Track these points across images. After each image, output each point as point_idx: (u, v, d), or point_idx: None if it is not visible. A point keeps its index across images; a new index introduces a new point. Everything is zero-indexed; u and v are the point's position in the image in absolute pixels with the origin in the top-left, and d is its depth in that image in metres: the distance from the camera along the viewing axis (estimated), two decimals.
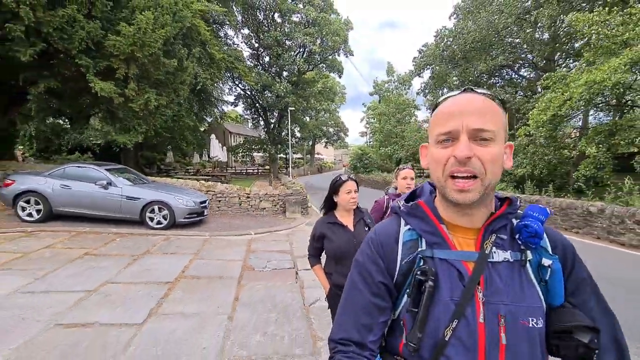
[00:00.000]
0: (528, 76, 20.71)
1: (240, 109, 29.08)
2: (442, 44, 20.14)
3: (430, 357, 0.69)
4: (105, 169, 7.36)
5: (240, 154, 29.30)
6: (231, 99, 28.57)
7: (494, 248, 0.71)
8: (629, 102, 11.05)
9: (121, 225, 7.03)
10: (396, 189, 2.68)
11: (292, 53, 25.24)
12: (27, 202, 6.80)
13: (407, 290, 0.74)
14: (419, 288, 0.71)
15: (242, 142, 29.79)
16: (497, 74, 21.08)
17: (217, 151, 20.64)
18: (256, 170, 30.96)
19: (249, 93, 26.08)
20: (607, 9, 8.93)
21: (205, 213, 8.03)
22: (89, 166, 7.46)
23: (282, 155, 28.82)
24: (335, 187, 2.08)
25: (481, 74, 19.40)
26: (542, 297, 0.70)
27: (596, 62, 9.60)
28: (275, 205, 9.92)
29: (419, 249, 0.75)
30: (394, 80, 29.64)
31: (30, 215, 6.80)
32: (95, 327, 3.07)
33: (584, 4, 15.21)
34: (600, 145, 9.80)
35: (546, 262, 0.70)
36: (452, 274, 0.71)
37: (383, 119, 26.93)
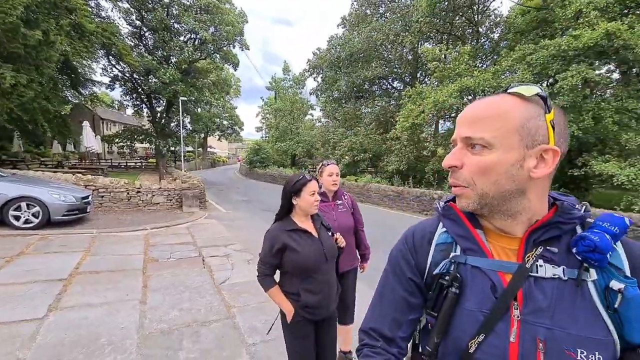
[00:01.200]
0: (398, 88, 24.85)
1: (117, 93, 25.44)
2: (333, 49, 22.24)
3: None
4: None
5: (118, 144, 25.72)
6: (106, 80, 24.69)
7: (540, 261, 0.62)
8: None
9: None
10: (321, 187, 2.37)
11: (182, 38, 23.56)
12: None
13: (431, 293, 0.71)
14: (440, 292, 0.69)
15: (120, 131, 26.19)
16: (376, 83, 24.55)
17: (92, 141, 17.85)
18: (139, 164, 27.71)
19: (128, 76, 23.12)
20: (445, 46, 11.87)
21: (89, 209, 7.29)
22: None
23: (171, 148, 26.58)
24: (296, 187, 1.75)
25: (364, 82, 22.35)
26: (611, 328, 0.58)
27: (441, 85, 12.65)
28: (170, 200, 9.59)
29: (452, 254, 0.70)
30: (290, 78, 30.91)
31: None
32: None
33: (437, 36, 19.30)
34: (445, 147, 12.99)
35: (616, 285, 0.57)
36: (485, 284, 0.65)
37: (279, 115, 27.85)
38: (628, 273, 0.59)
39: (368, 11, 22.77)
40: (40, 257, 4.77)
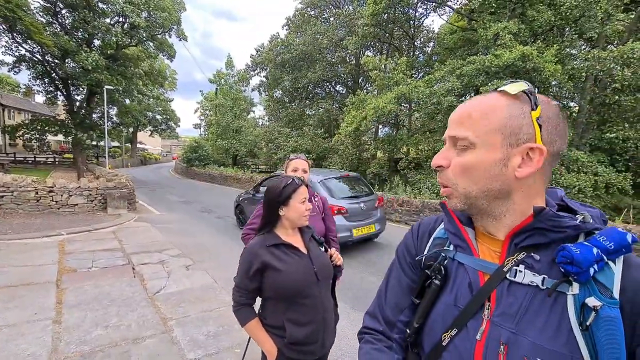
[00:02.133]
0: (341, 91, 25.53)
1: (25, 77, 21.77)
2: (276, 49, 21.96)
3: (428, 354, 0.69)
4: None
5: (24, 136, 22.02)
6: (8, 60, 20.88)
7: (521, 267, 0.61)
8: (400, 122, 15.92)
9: None
10: None
11: (108, 20, 21.10)
12: None
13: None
14: (424, 281, 0.72)
15: (26, 120, 22.45)
16: (320, 85, 24.88)
17: None
18: (51, 159, 24.08)
19: (39, 58, 19.96)
20: (385, 55, 12.52)
21: None
22: None
23: (93, 142, 23.60)
24: (285, 194, 1.42)
25: (308, 83, 22.48)
26: (582, 348, 0.54)
27: (381, 92, 13.30)
28: (92, 201, 8.45)
29: (445, 248, 0.73)
30: (234, 74, 29.72)
31: None
32: None
33: (378, 44, 20.28)
34: (384, 151, 13.68)
35: (592, 302, 0.53)
36: (465, 280, 0.67)
37: (220, 112, 26.58)
38: (616, 294, 0.54)
39: (312, 12, 22.99)
40: None
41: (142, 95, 25.16)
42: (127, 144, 38.48)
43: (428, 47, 19.87)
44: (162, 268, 4.70)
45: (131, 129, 36.69)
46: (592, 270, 0.54)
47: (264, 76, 24.06)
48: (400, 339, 0.77)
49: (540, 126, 0.59)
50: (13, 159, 21.36)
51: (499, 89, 0.62)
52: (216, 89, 29.69)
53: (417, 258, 0.78)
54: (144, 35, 22.14)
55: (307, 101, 24.22)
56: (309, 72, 21.01)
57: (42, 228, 6.36)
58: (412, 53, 19.02)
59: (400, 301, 0.78)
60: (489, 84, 9.79)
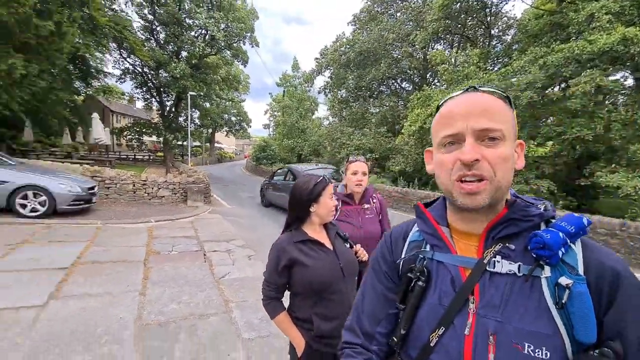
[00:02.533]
0: (407, 88, 24.65)
1: (128, 86, 25.73)
2: (341, 49, 22.14)
3: (415, 358, 0.69)
4: None
5: (127, 137, 26.00)
6: (117, 73, 24.90)
7: (497, 257, 0.64)
8: None
9: None
10: (345, 186, 2.14)
11: (193, 33, 23.69)
12: None
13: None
14: (407, 285, 0.72)
15: (129, 124, 26.46)
16: (385, 83, 24.38)
17: (101, 133, 18.08)
18: (147, 157, 27.96)
19: (139, 70, 23.35)
20: (457, 48, 11.71)
21: (94, 200, 7.36)
22: None
23: (179, 142, 26.78)
24: (316, 192, 1.48)
25: (371, 81, 22.20)
26: (559, 325, 0.58)
27: (450, 87, 12.50)
28: (175, 194, 9.64)
29: (422, 249, 0.74)
30: (299, 76, 30.87)
31: None
32: None
33: (448, 37, 19.09)
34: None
35: (564, 281, 0.58)
36: (447, 278, 0.68)
37: (287, 112, 27.87)
38: (581, 272, 0.60)
39: (378, 9, 22.61)
40: (43, 246, 4.82)
41: (219, 99, 27.61)
42: (206, 144, 42.73)
43: (508, 35, 18.01)
44: (228, 256, 5.19)
45: (210, 130, 40.60)
46: (560, 253, 0.60)
47: (328, 76, 24.46)
48: (379, 350, 0.77)
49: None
50: (118, 156, 25.35)
51: (487, 90, 0.67)
52: (283, 91, 31.15)
53: (396, 262, 0.79)
54: (222, 44, 24.32)
55: (371, 99, 23.93)
56: (373, 70, 20.74)
57: (137, 215, 7.49)
58: (487, 43, 17.46)
59: (377, 312, 0.78)
60: (581, 75, 8.50)
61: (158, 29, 23.35)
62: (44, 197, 6.37)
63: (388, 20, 20.87)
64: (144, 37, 22.74)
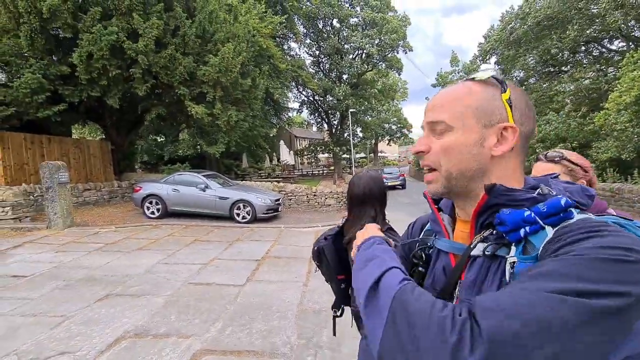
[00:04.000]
0: (621, 49, 18.11)
1: (305, 114, 30.98)
2: (509, 26, 18.86)
3: None
4: (202, 175, 9.15)
5: (306, 156, 31.15)
6: (296, 105, 30.57)
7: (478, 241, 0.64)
8: None
9: (215, 220, 8.71)
10: None
11: (351, 56, 26.12)
12: (151, 203, 8.88)
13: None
14: (411, 269, 0.75)
15: (307, 145, 31.64)
16: (581, 50, 18.88)
17: (286, 155, 22.51)
18: (321, 171, 32.48)
19: (311, 98, 27.72)
20: None
21: (280, 209, 9.34)
22: (191, 173, 9.36)
23: (345, 155, 29.82)
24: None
25: (560, 52, 17.65)
26: None
27: None
28: (339, 202, 10.86)
29: (430, 237, 0.76)
30: (459, 70, 28.38)
31: (152, 213, 8.86)
32: (213, 286, 4.34)
33: None
34: None
35: (511, 258, 0.56)
36: (439, 264, 0.71)
37: None
38: (535, 253, 0.54)
39: None
40: (247, 243, 6.59)
41: (377, 111, 28.95)
42: (370, 154, 45.28)
43: None
44: None
45: (373, 141, 42.85)
46: (522, 232, 0.56)
47: (495, 62, 21.28)
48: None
49: (510, 107, 0.62)
50: (301, 172, 30.66)
51: (466, 78, 0.67)
52: (441, 89, 29.32)
53: (401, 243, 0.83)
54: (377, 58, 25.64)
55: (563, 75, 19.00)
56: (554, 41, 16.53)
57: (308, 221, 8.96)
58: None
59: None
60: None
61: (323, 60, 27.12)
62: (249, 208, 8.66)
63: None
64: (313, 71, 26.97)
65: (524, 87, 20.23)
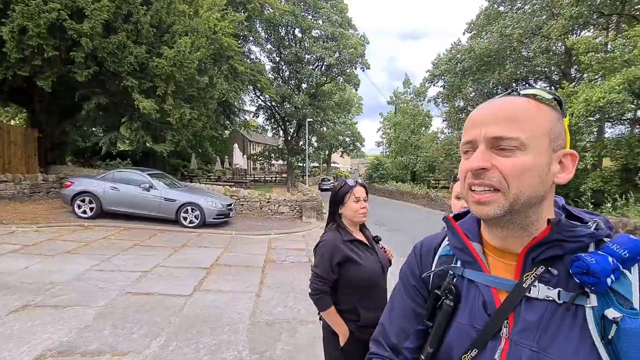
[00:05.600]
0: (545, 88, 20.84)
1: (260, 119, 30.53)
2: (456, 57, 20.72)
3: None
4: (147, 174, 8.45)
5: (260, 161, 30.58)
6: (252, 109, 29.98)
7: (536, 282, 0.58)
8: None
9: (160, 223, 8.06)
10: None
11: (311, 67, 26.51)
12: (83, 201, 7.94)
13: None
14: (435, 302, 0.69)
15: (261, 150, 31.12)
16: (512, 86, 21.39)
17: (239, 159, 21.85)
18: (274, 178, 32.11)
19: (269, 104, 27.43)
20: (607, 32, 9.41)
21: (231, 215, 8.96)
22: (134, 171, 8.58)
23: (299, 164, 29.89)
24: (340, 194, 1.66)
25: (495, 86, 19.83)
26: None
27: (602, 79, 10.06)
28: (292, 210, 10.77)
29: (452, 265, 0.70)
30: (410, 91, 30.32)
31: (84, 212, 7.92)
32: (155, 296, 3.96)
33: (600, 19, 15.49)
34: (614, 159, 10.07)
35: (612, 314, 0.51)
36: (478, 299, 0.64)
37: (398, 129, 27.57)
38: (636, 305, 0.51)
39: (501, 8, 20.36)
40: (195, 250, 6.18)
41: (333, 123, 29.60)
42: (323, 164, 45.96)
43: None
44: None
45: (327, 152, 43.60)
46: (609, 281, 0.52)
47: (441, 86, 23.17)
48: None
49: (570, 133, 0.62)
50: (253, 178, 29.97)
51: (526, 93, 0.61)
52: (395, 108, 31.02)
53: (422, 275, 0.75)
54: (336, 72, 26.35)
55: None
56: (496, 73, 18.57)
57: (261, 228, 8.72)
58: None
59: (405, 327, 0.75)
60: None
61: (283, 68, 27.11)
62: (198, 212, 8.17)
63: (513, 16, 18.45)
64: (272, 77, 26.78)
65: (463, 115, 22.32)
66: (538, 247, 0.58)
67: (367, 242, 1.70)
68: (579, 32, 16.67)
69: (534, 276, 0.58)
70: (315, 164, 43.71)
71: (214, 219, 8.29)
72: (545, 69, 19.15)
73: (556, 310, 0.56)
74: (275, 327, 3.40)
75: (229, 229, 8.36)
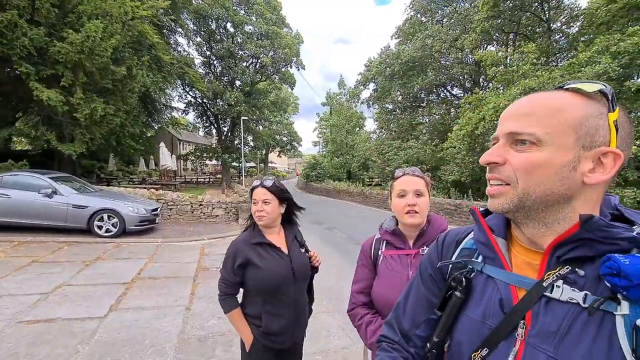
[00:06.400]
0: (459, 95, 23.43)
1: (191, 116, 28.54)
2: (386, 61, 22.03)
3: None
4: (49, 177, 7.19)
5: (191, 161, 28.61)
6: (181, 106, 27.85)
7: (559, 281, 0.54)
8: None
9: (67, 235, 6.92)
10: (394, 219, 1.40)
11: (245, 63, 25.64)
12: None
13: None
14: (447, 292, 0.68)
15: (192, 150, 29.13)
16: (434, 91, 23.53)
17: (167, 159, 20.11)
18: (208, 179, 30.34)
19: (200, 101, 25.78)
20: (512, 47, 10.89)
21: (157, 220, 8.14)
22: (32, 174, 7.23)
23: (235, 163, 28.71)
24: (250, 194, 1.64)
25: (419, 91, 21.58)
26: None
27: (506, 89, 11.60)
28: (228, 213, 10.23)
29: (472, 259, 0.68)
30: (345, 92, 31.34)
31: None
32: (58, 322, 3.34)
33: (501, 36, 17.89)
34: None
35: (619, 315, 0.48)
36: (495, 296, 0.61)
37: (334, 130, 28.30)
38: None
39: (423, 18, 22.22)
40: (112, 262, 5.43)
41: (268, 122, 29.12)
42: (260, 164, 45.02)
43: (574, 26, 16.22)
44: None
45: (264, 151, 42.79)
46: None
47: (373, 89, 24.43)
48: (416, 353, 0.74)
49: (616, 130, 0.54)
50: (184, 180, 27.89)
51: (567, 87, 0.57)
52: (330, 109, 31.78)
53: (438, 265, 0.74)
54: (271, 70, 25.90)
55: (420, 109, 23.22)
56: (419, 79, 20.21)
57: (192, 234, 8.08)
58: (547, 38, 15.94)
59: (417, 315, 0.76)
60: None
61: (215, 63, 25.72)
62: (116, 219, 7.23)
63: (433, 27, 20.30)
64: (203, 72, 25.20)
65: (392, 117, 23.89)
66: (564, 245, 0.55)
67: (280, 246, 1.62)
68: (486, 46, 19.02)
69: (556, 275, 0.55)
70: (252, 164, 42.57)
71: (135, 226, 7.42)
72: (460, 77, 21.48)
73: (580, 314, 0.51)
74: (209, 343, 3.12)
75: (155, 236, 7.57)
